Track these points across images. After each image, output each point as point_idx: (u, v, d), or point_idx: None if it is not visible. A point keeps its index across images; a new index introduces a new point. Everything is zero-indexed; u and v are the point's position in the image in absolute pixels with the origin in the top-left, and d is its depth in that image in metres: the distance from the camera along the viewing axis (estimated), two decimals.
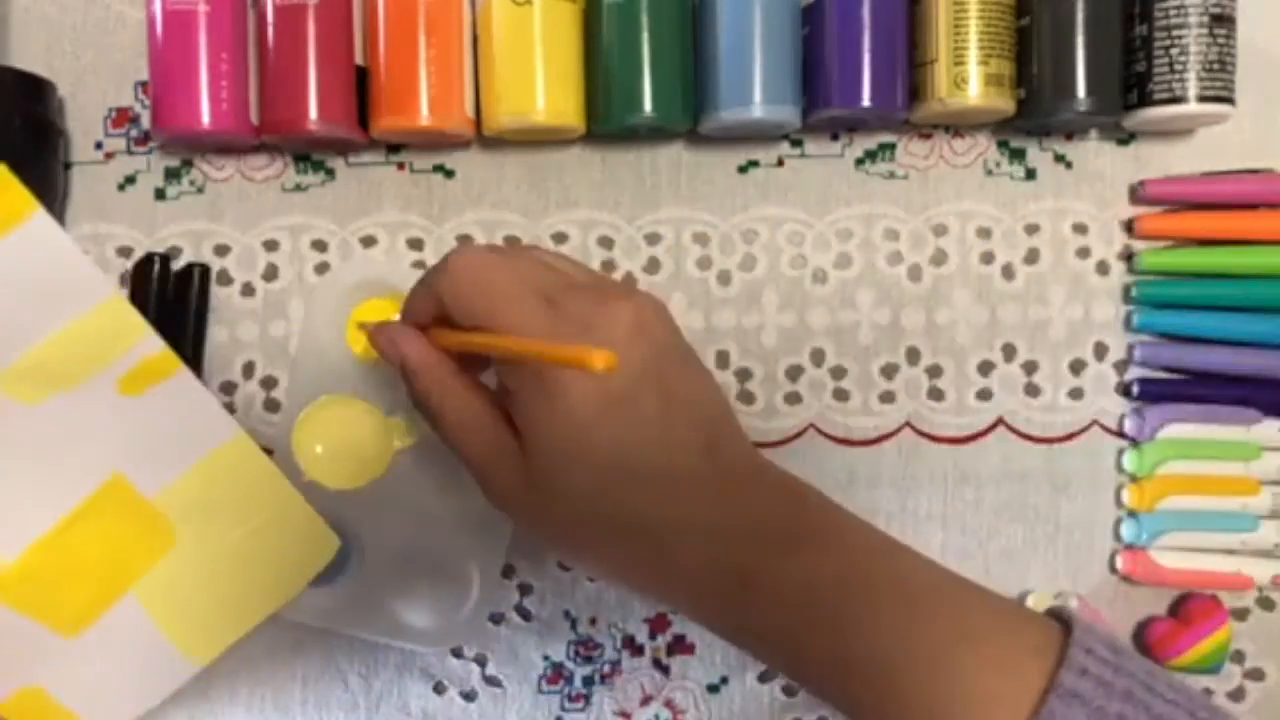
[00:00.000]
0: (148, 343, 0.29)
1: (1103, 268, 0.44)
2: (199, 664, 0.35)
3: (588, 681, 0.44)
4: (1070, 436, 0.44)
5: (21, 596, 0.30)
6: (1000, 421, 0.44)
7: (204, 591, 0.33)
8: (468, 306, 0.31)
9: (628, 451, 0.30)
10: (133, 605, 0.32)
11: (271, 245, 0.44)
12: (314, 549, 0.36)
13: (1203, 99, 0.40)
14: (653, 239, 0.44)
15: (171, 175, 0.44)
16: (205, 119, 0.40)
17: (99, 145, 0.44)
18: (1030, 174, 0.44)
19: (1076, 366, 0.44)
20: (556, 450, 0.30)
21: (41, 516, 0.29)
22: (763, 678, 0.44)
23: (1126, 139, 0.44)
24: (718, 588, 0.30)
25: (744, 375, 0.44)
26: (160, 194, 0.44)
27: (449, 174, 0.44)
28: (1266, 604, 0.45)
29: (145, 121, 0.43)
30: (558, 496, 0.31)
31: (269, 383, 0.44)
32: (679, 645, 0.44)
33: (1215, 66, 0.40)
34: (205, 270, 0.43)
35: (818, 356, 0.44)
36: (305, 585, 0.38)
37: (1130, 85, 0.41)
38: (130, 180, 0.44)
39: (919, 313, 0.44)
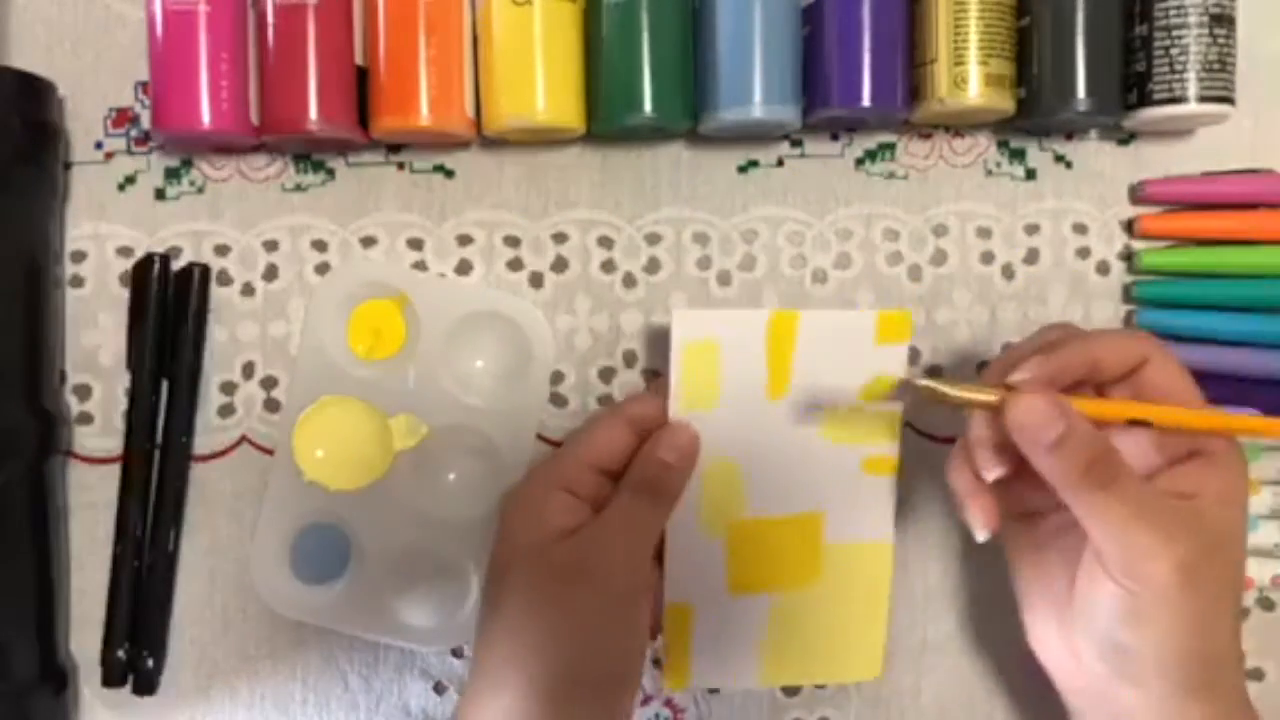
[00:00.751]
0: (892, 447, 0.40)
1: (1103, 268, 0.44)
2: (759, 683, 0.42)
3: None
4: None
5: (727, 537, 0.40)
6: None
7: (798, 630, 0.41)
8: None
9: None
10: (766, 607, 0.41)
11: (271, 245, 0.44)
12: (860, 663, 0.42)
13: (1203, 99, 0.40)
14: (653, 239, 0.44)
15: (171, 175, 0.44)
16: (205, 119, 0.40)
17: (99, 145, 0.44)
18: (1030, 174, 0.44)
19: None
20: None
21: (772, 505, 0.40)
22: None
23: (1126, 139, 0.44)
24: None
25: None
26: (160, 194, 0.44)
27: (449, 174, 0.44)
28: (1266, 604, 0.45)
29: (145, 121, 0.43)
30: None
31: (269, 383, 0.44)
32: None
33: (1215, 66, 0.40)
34: (205, 270, 0.43)
35: None
36: (826, 684, 0.44)
37: (1130, 85, 0.41)
38: (130, 180, 0.44)
39: (919, 313, 0.44)
